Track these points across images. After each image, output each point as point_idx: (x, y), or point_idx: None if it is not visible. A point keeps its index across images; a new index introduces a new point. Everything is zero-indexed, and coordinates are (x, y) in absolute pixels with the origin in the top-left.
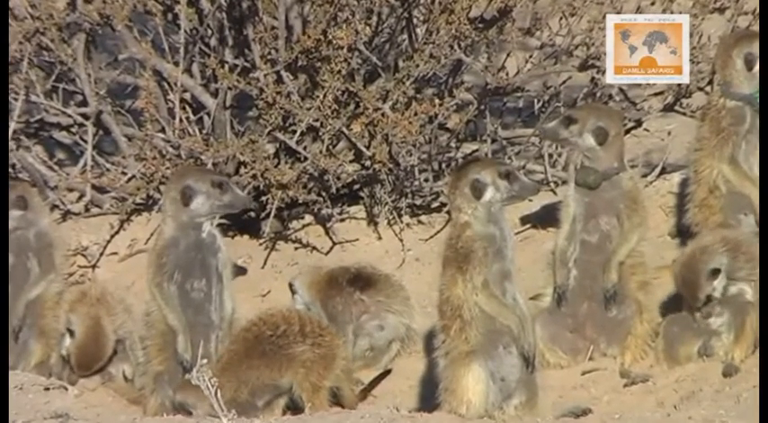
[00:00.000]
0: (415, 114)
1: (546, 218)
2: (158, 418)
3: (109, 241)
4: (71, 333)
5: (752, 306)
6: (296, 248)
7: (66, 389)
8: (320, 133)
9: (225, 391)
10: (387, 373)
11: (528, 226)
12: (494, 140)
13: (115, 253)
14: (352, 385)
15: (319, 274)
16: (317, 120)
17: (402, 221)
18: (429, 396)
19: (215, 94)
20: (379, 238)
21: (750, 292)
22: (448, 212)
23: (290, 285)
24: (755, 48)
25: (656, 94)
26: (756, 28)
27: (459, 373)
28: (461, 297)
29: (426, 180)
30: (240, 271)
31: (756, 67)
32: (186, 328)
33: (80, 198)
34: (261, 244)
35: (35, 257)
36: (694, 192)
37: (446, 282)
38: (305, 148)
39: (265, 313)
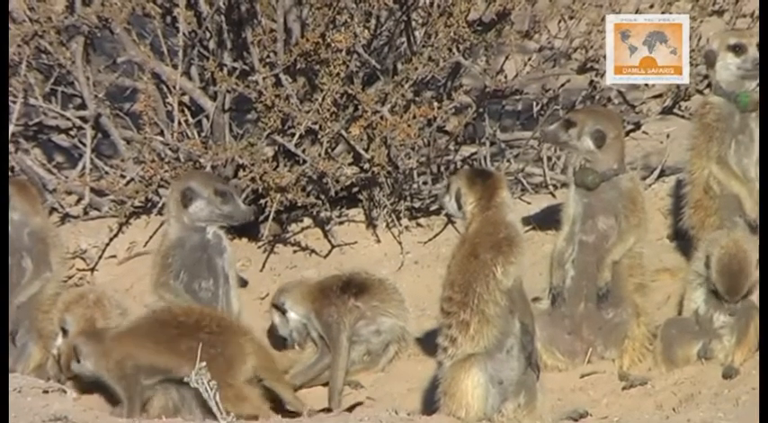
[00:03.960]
0: (414, 117)
1: (545, 220)
2: (158, 420)
3: (108, 244)
4: (65, 332)
5: (755, 310)
6: (294, 251)
7: (65, 392)
8: (319, 136)
9: (113, 354)
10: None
11: (527, 228)
12: (492, 143)
13: (114, 256)
14: (287, 387)
15: (309, 285)
16: (315, 123)
17: (401, 224)
18: (428, 399)
19: (214, 97)
20: (378, 241)
21: (755, 295)
22: (447, 215)
23: (277, 306)
24: (714, 44)
25: (654, 97)
26: (755, 30)
27: (459, 377)
28: (496, 282)
29: (425, 183)
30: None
31: (717, 64)
32: None
33: (79, 201)
34: (259, 247)
35: (29, 256)
36: (689, 193)
37: (480, 269)
38: (304, 151)
39: (177, 304)
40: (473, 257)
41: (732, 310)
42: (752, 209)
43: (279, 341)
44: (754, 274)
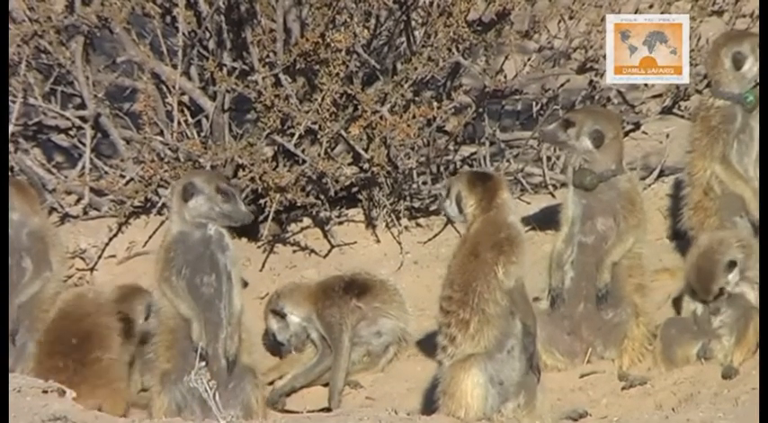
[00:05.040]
0: (414, 117)
1: (545, 220)
2: (158, 420)
3: (107, 244)
4: None
5: (755, 310)
6: (294, 251)
7: (65, 392)
8: (318, 136)
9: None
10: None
11: (527, 228)
12: (492, 143)
13: (113, 256)
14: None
15: (308, 286)
16: (315, 123)
17: (400, 224)
18: (427, 399)
19: (213, 97)
20: (378, 241)
21: (753, 295)
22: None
23: (275, 311)
24: (744, 47)
25: (654, 97)
26: (755, 30)
27: (459, 377)
28: (497, 282)
29: (425, 183)
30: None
31: (745, 67)
32: (200, 316)
33: (78, 201)
34: (259, 247)
35: (28, 256)
36: (689, 194)
37: (481, 268)
38: (303, 151)
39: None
40: (474, 256)
41: (713, 309)
42: (756, 208)
43: (275, 346)
44: (725, 276)
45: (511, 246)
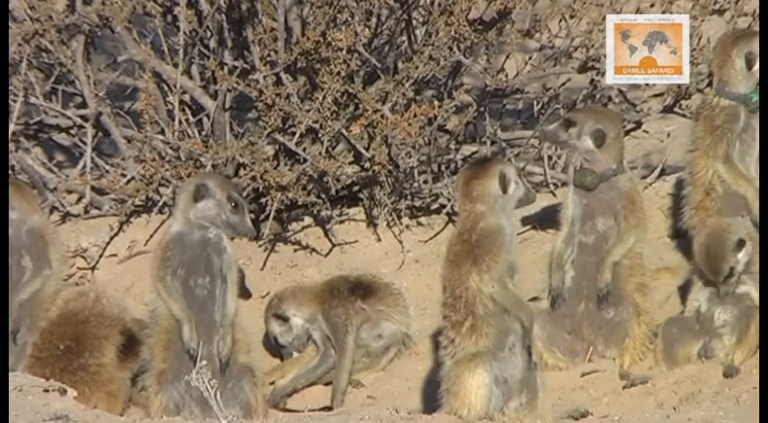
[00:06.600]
0: (415, 116)
1: (545, 219)
2: (159, 420)
3: (108, 243)
4: None
5: (756, 309)
6: (295, 250)
7: (66, 391)
8: (319, 135)
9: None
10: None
11: (528, 227)
12: (493, 142)
13: (114, 255)
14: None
15: (311, 287)
16: (316, 121)
17: (401, 223)
18: (428, 398)
19: (214, 96)
20: (379, 239)
21: (755, 294)
22: (448, 214)
23: (278, 315)
24: (755, 47)
25: (655, 96)
26: (756, 28)
27: (464, 376)
28: (476, 290)
29: (426, 182)
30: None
31: (756, 66)
32: (191, 317)
33: (79, 200)
34: (260, 246)
35: (28, 255)
36: (690, 194)
37: (459, 276)
38: (304, 150)
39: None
40: (453, 264)
41: (723, 293)
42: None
43: (277, 349)
44: (734, 255)
45: (483, 254)
